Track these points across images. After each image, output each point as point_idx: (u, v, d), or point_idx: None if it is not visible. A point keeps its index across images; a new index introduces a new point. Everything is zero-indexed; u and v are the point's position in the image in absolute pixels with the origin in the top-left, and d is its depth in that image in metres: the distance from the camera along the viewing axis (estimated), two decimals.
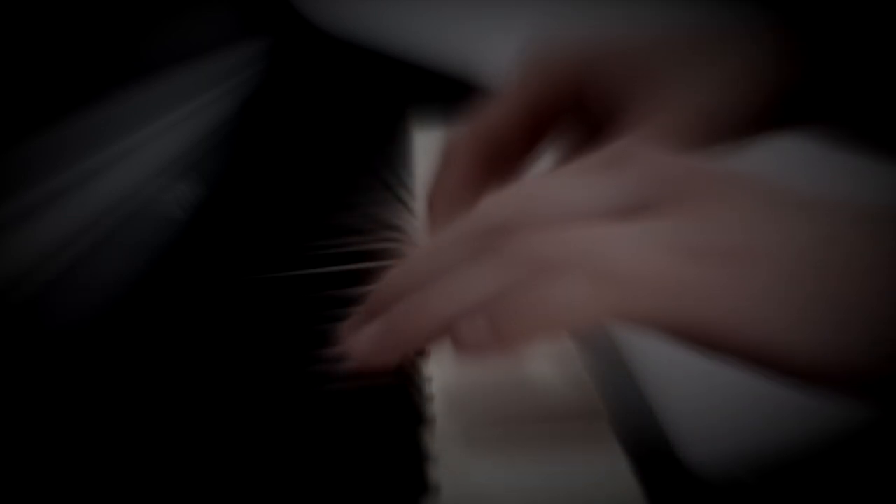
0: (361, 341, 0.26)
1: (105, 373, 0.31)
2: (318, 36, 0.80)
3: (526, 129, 0.36)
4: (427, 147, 0.66)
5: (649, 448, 0.27)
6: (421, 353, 0.28)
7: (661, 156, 0.25)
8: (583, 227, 0.24)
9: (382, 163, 0.61)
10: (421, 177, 0.55)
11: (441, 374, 0.31)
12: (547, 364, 0.31)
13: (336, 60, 0.80)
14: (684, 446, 0.28)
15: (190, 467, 0.25)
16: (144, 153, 0.43)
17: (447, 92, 0.77)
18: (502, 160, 0.36)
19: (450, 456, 0.26)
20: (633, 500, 0.23)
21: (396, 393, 0.28)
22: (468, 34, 0.84)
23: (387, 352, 0.25)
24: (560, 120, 0.36)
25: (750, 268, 0.22)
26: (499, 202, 0.26)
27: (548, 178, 0.27)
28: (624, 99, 0.34)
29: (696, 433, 0.30)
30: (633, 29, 0.36)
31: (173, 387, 0.31)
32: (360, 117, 0.78)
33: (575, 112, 0.35)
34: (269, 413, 0.28)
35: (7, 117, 0.31)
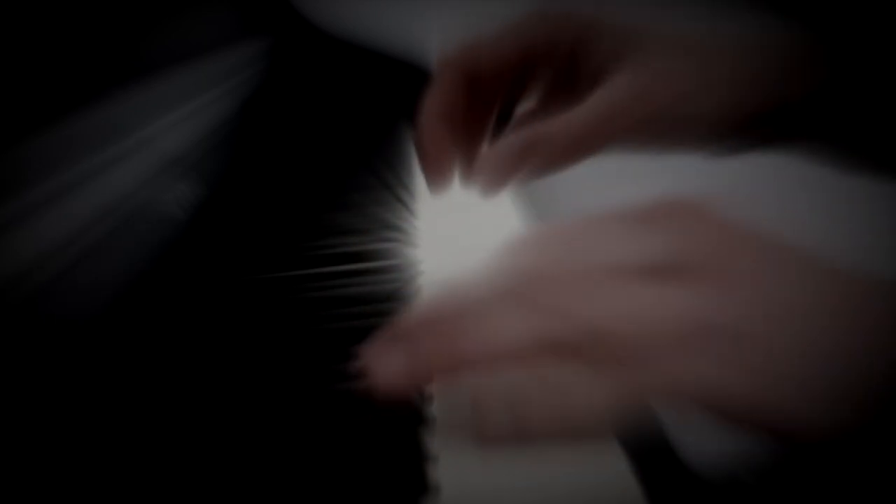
0: (384, 363, 0.25)
1: (105, 372, 0.31)
2: (318, 36, 0.80)
3: (511, 68, 0.36)
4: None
5: (649, 448, 0.27)
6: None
7: (704, 217, 0.26)
8: (617, 286, 0.24)
9: (382, 163, 0.61)
10: (421, 177, 0.55)
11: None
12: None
13: (336, 60, 0.80)
14: (684, 446, 0.28)
15: (190, 466, 0.25)
16: (144, 153, 0.43)
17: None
18: (483, 96, 0.36)
19: (450, 456, 0.26)
20: (633, 500, 0.23)
21: (396, 396, 0.28)
22: (468, 34, 0.84)
23: (406, 379, 0.25)
24: (541, 74, 0.36)
25: (760, 356, 0.23)
26: (536, 245, 0.27)
27: (587, 225, 0.27)
28: (611, 66, 0.34)
29: (695, 433, 0.30)
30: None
31: (172, 385, 0.31)
32: (360, 117, 0.78)
33: (557, 69, 0.36)
34: (268, 413, 0.28)
35: (7, 117, 0.31)
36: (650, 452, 0.27)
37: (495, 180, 0.35)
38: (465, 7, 0.91)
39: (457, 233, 0.40)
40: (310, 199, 0.55)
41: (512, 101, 0.38)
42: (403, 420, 0.27)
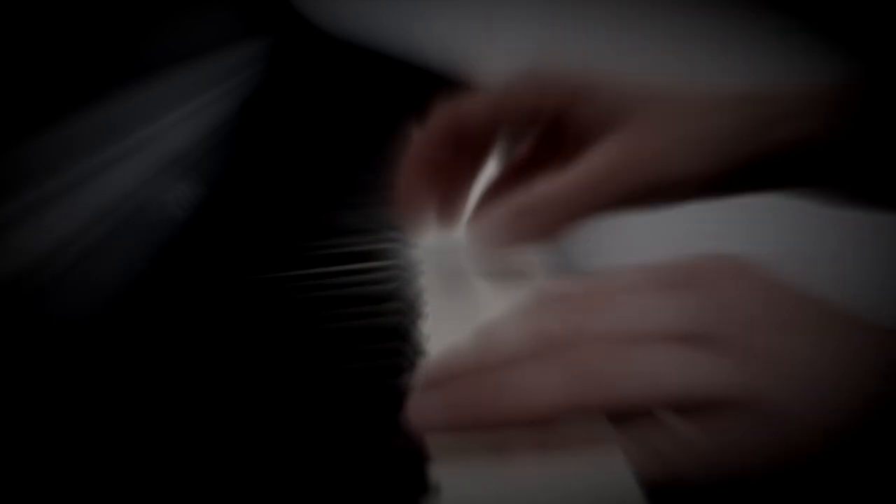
0: (424, 409, 0.26)
1: (105, 371, 0.31)
2: (318, 36, 0.80)
3: (498, 125, 0.36)
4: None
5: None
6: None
7: (730, 283, 0.26)
8: (649, 353, 0.25)
9: (382, 163, 0.61)
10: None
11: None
12: None
13: (336, 60, 0.80)
14: None
15: (190, 465, 0.25)
16: (144, 153, 0.43)
17: (447, 92, 0.77)
18: (466, 151, 0.37)
19: (450, 456, 0.26)
20: (632, 499, 0.23)
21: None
22: (468, 34, 0.84)
23: (443, 426, 0.26)
24: (530, 130, 0.37)
25: (786, 430, 0.24)
26: (566, 303, 0.27)
27: (621, 283, 0.28)
28: (597, 130, 0.34)
29: None
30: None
31: (172, 385, 0.31)
32: (360, 117, 0.78)
33: (545, 128, 0.36)
34: (267, 412, 0.28)
35: (7, 117, 0.31)
36: None
37: (492, 244, 0.35)
38: (465, 7, 0.91)
39: (457, 232, 0.40)
40: (310, 199, 0.55)
41: (494, 146, 0.38)
42: (403, 420, 0.27)
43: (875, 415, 0.23)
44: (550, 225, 0.34)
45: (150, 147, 0.44)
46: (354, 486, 0.24)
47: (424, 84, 0.78)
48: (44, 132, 0.33)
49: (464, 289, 0.37)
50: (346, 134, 0.74)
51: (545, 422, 0.25)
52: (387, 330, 0.34)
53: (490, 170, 0.39)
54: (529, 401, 0.25)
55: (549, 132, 0.37)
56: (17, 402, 0.26)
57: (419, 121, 0.38)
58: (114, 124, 0.40)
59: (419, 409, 0.25)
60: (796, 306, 0.26)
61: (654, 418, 0.24)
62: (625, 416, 0.25)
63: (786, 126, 0.32)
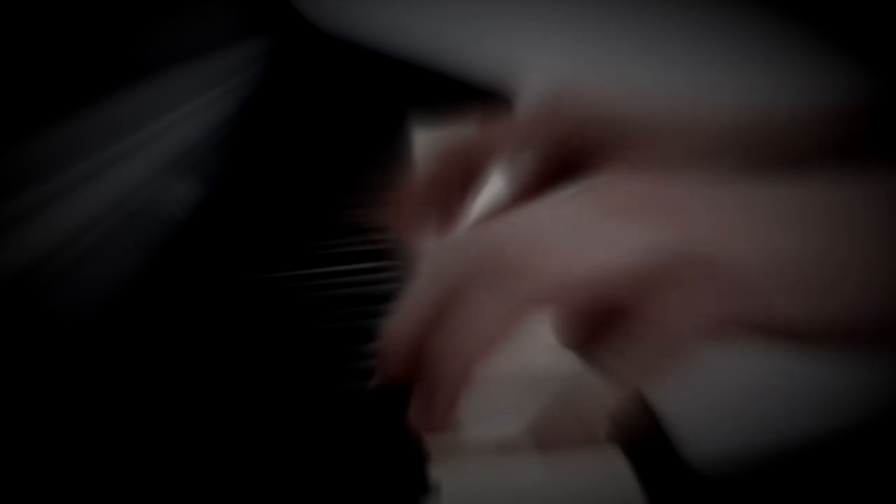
0: (419, 418, 0.26)
1: (104, 371, 0.31)
2: (318, 36, 0.80)
3: (505, 153, 0.37)
4: (427, 147, 0.66)
5: (648, 446, 0.27)
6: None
7: (626, 178, 0.26)
8: (583, 230, 0.24)
9: (382, 163, 0.61)
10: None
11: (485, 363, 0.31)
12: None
13: (336, 60, 0.80)
14: (684, 446, 0.28)
15: (190, 465, 0.25)
16: (145, 153, 0.43)
17: (447, 92, 0.77)
18: (469, 172, 0.37)
19: (450, 456, 0.26)
20: (632, 498, 0.23)
21: (396, 392, 0.28)
22: (467, 34, 0.84)
23: (442, 411, 0.25)
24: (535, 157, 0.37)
25: (744, 276, 0.23)
26: (472, 235, 0.27)
27: (522, 208, 0.27)
28: (605, 159, 0.35)
29: (695, 431, 0.30)
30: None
31: (173, 386, 0.31)
32: (360, 117, 0.78)
33: (551, 154, 0.36)
34: (267, 412, 0.28)
35: (7, 117, 0.31)
36: (650, 452, 0.27)
37: None
38: (464, 7, 0.91)
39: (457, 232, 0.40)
40: (310, 200, 0.55)
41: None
42: (403, 419, 0.27)
43: (837, 265, 0.23)
44: None
45: (150, 147, 0.44)
46: (355, 485, 0.24)
47: (424, 84, 0.78)
48: (44, 132, 0.33)
49: None
50: (347, 134, 0.74)
51: (509, 335, 0.24)
52: None
53: (492, 173, 0.39)
54: (482, 329, 0.24)
55: (556, 157, 0.37)
56: (17, 402, 0.26)
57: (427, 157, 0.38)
58: (114, 124, 0.40)
59: (420, 417, 0.26)
60: (696, 189, 0.25)
61: (612, 327, 0.24)
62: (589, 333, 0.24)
63: (793, 153, 0.33)
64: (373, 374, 0.27)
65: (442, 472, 0.25)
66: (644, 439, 0.27)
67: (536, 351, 0.30)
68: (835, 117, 0.33)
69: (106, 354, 0.32)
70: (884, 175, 0.25)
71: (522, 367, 0.30)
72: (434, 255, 0.27)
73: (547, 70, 0.81)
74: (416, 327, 0.26)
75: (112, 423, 0.28)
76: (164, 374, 0.31)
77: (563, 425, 0.25)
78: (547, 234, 0.24)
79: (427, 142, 0.68)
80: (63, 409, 0.28)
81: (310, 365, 0.32)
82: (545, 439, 0.25)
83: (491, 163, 0.36)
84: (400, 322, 0.26)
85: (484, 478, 0.25)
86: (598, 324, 0.25)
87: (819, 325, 0.23)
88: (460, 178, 0.37)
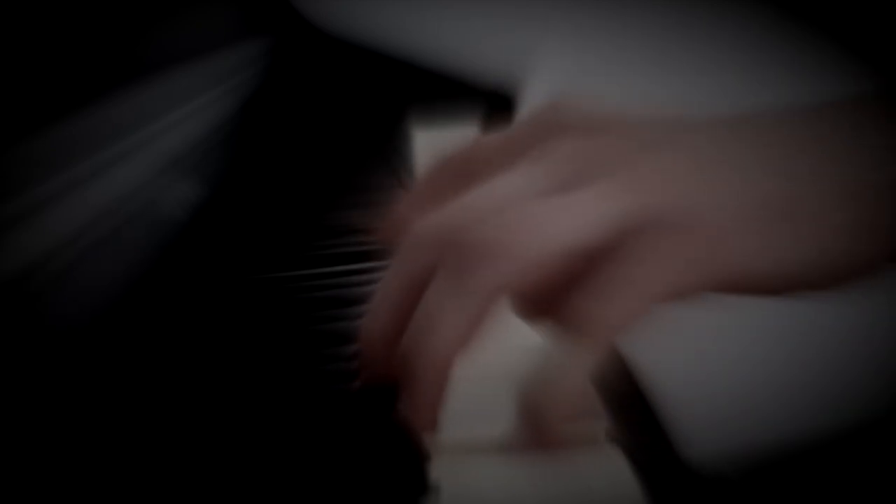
0: (406, 416, 0.25)
1: (104, 372, 0.31)
2: (318, 36, 0.80)
3: (505, 163, 0.36)
4: (427, 147, 0.66)
5: (648, 446, 0.27)
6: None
7: (576, 140, 0.25)
8: (534, 208, 0.23)
9: (382, 163, 0.61)
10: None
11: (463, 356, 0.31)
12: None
13: (336, 60, 0.80)
14: (684, 444, 0.28)
15: (190, 465, 0.25)
16: (145, 153, 0.43)
17: (447, 92, 0.77)
18: (469, 175, 0.37)
19: (450, 456, 0.26)
20: (632, 498, 0.23)
21: (394, 391, 0.28)
22: (468, 34, 0.84)
23: (426, 410, 0.25)
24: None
25: (704, 228, 0.22)
26: (433, 219, 0.26)
27: (475, 188, 0.27)
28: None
29: (695, 431, 0.30)
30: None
31: (172, 386, 0.31)
32: (360, 117, 0.78)
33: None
34: (267, 412, 0.28)
35: (8, 117, 0.31)
36: (650, 452, 0.27)
37: None
38: (463, 8, 0.91)
39: None
40: (310, 200, 0.55)
41: None
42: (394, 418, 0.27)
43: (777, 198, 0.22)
44: None
45: (150, 147, 0.44)
46: (354, 485, 0.24)
47: (424, 84, 0.78)
48: (44, 132, 0.33)
49: None
50: (347, 134, 0.74)
51: (479, 332, 0.23)
52: None
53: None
54: (448, 333, 0.23)
55: None
56: (17, 403, 0.26)
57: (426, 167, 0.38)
58: (114, 124, 0.40)
59: (412, 417, 0.25)
60: (655, 126, 0.25)
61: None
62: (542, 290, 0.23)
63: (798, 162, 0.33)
64: (356, 374, 0.27)
65: (442, 472, 0.25)
66: (644, 439, 0.27)
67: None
68: (834, 113, 0.33)
69: (106, 355, 0.32)
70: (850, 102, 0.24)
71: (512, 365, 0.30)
72: (401, 246, 0.26)
73: (547, 70, 0.81)
74: (389, 325, 0.25)
75: (112, 422, 0.28)
76: (164, 375, 0.31)
77: (539, 407, 0.23)
78: (501, 216, 0.23)
79: (427, 142, 0.68)
80: (63, 409, 0.28)
81: (310, 365, 0.32)
82: (529, 429, 0.24)
83: (493, 172, 0.36)
84: (372, 320, 0.26)
85: (484, 478, 0.25)
86: (557, 291, 0.24)
87: (790, 266, 0.22)
88: (458, 192, 0.36)
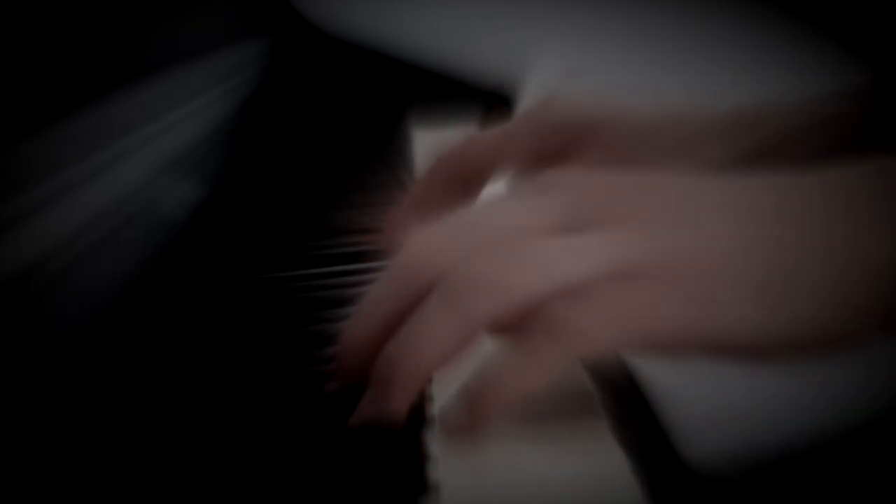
0: (366, 411, 0.26)
1: (104, 372, 0.31)
2: (318, 36, 0.80)
3: (505, 163, 0.37)
4: (427, 147, 0.66)
5: (648, 446, 0.27)
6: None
7: (585, 176, 0.26)
8: (533, 247, 0.24)
9: (382, 163, 0.61)
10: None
11: (440, 374, 0.31)
12: None
13: (336, 60, 0.81)
14: (684, 444, 0.28)
15: (189, 465, 0.25)
16: (145, 153, 0.43)
17: (447, 92, 0.78)
18: (466, 184, 0.37)
19: (450, 456, 0.26)
20: (632, 499, 0.24)
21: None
22: (467, 34, 0.84)
23: (389, 408, 0.25)
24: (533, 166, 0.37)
25: (690, 287, 0.23)
26: (435, 238, 0.26)
27: (479, 208, 0.27)
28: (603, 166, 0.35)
29: (695, 431, 0.30)
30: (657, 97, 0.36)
31: (172, 386, 0.31)
32: (360, 117, 0.78)
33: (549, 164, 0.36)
34: (267, 412, 0.28)
35: (7, 117, 0.31)
36: (650, 452, 0.27)
37: None
38: (463, 8, 0.91)
39: None
40: (310, 200, 0.55)
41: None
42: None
43: (772, 266, 0.22)
44: None
45: (150, 147, 0.44)
46: (354, 485, 0.24)
47: (424, 84, 0.78)
48: (44, 132, 0.33)
49: None
50: (347, 134, 0.74)
51: (459, 352, 0.24)
52: None
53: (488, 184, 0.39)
54: (433, 346, 0.24)
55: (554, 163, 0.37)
56: (16, 403, 0.26)
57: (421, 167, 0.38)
58: (114, 124, 0.40)
59: (366, 413, 0.25)
60: (647, 184, 0.25)
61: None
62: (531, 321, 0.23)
63: (788, 146, 0.33)
64: (330, 376, 0.27)
65: (442, 472, 0.25)
66: (644, 439, 0.27)
67: None
68: (823, 106, 0.33)
69: (105, 355, 0.32)
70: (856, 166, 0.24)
71: None
72: (398, 257, 0.26)
73: (548, 69, 0.81)
74: (374, 334, 0.25)
75: (111, 422, 0.28)
76: (164, 375, 0.32)
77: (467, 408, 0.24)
78: (499, 254, 0.24)
79: (427, 142, 0.68)
80: (62, 409, 0.28)
81: (310, 365, 0.32)
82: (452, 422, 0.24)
83: (486, 175, 0.36)
84: (357, 326, 0.26)
85: (484, 477, 0.25)
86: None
87: (778, 335, 0.22)
88: (455, 190, 0.37)
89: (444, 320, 0.24)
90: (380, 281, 0.26)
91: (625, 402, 0.29)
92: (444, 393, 0.30)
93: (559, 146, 0.35)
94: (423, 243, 0.26)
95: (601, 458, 0.25)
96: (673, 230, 0.24)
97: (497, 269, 0.24)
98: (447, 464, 0.25)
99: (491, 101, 0.76)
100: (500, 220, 0.25)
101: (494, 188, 0.39)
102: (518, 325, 0.23)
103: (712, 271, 0.23)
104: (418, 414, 0.27)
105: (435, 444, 0.26)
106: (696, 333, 0.22)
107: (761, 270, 0.22)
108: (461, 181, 0.36)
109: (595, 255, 0.23)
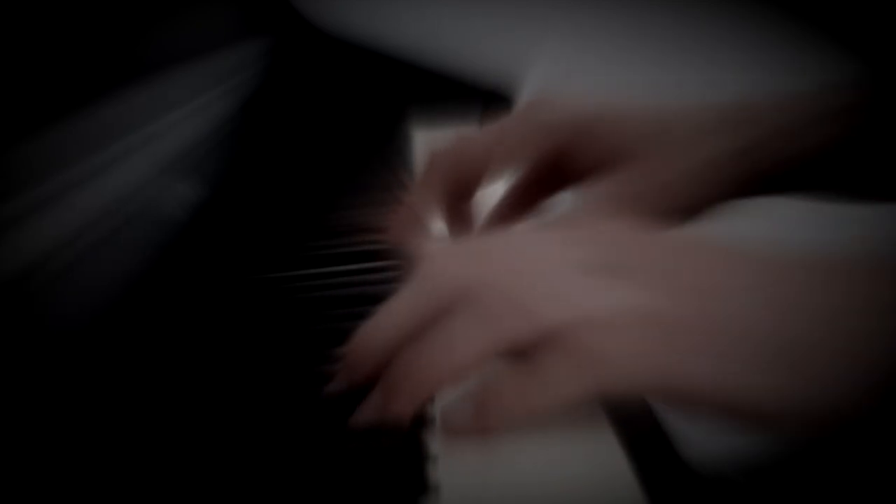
0: (371, 411, 0.26)
1: (105, 372, 0.31)
2: (318, 36, 0.80)
3: (500, 165, 0.37)
4: (427, 147, 0.66)
5: (648, 446, 0.27)
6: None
7: (627, 230, 0.27)
8: (566, 280, 0.25)
9: (382, 163, 0.61)
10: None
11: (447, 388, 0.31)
12: None
13: (336, 60, 0.81)
14: (684, 445, 0.28)
15: (189, 465, 0.25)
16: (145, 153, 0.43)
17: (447, 92, 0.78)
18: (463, 184, 0.37)
19: (450, 456, 0.26)
20: (632, 499, 0.24)
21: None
22: (467, 34, 0.84)
23: (392, 416, 0.26)
24: (531, 166, 0.37)
25: (713, 342, 0.23)
26: (470, 257, 0.27)
27: (517, 234, 0.28)
28: (600, 167, 0.35)
29: (695, 431, 0.30)
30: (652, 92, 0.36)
31: (172, 386, 0.31)
32: (360, 117, 0.78)
33: (545, 161, 0.36)
34: (268, 413, 0.29)
35: (8, 117, 0.31)
36: (650, 452, 0.27)
37: None
38: (463, 8, 0.91)
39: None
40: (310, 200, 0.55)
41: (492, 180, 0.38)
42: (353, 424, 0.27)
43: (796, 338, 0.23)
44: None
45: (150, 147, 0.44)
46: (355, 485, 0.24)
47: (424, 84, 0.78)
48: (44, 132, 0.33)
49: None
50: (347, 134, 0.74)
51: (475, 368, 0.24)
52: None
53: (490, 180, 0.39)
54: (453, 359, 0.24)
55: (551, 163, 0.37)
56: (16, 403, 0.26)
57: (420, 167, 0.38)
58: (114, 124, 0.40)
59: (370, 414, 0.26)
60: (672, 245, 0.26)
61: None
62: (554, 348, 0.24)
63: (785, 142, 0.33)
64: (330, 377, 0.28)
65: (442, 472, 0.25)
66: (644, 439, 0.27)
67: None
68: (824, 97, 0.33)
69: (105, 355, 0.32)
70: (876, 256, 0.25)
71: None
72: (426, 269, 0.27)
73: (548, 69, 0.81)
74: (390, 342, 0.26)
75: (111, 422, 0.28)
76: (164, 375, 0.32)
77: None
78: (535, 281, 0.25)
79: (427, 142, 0.68)
80: (62, 409, 0.28)
81: (310, 365, 0.32)
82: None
83: (480, 175, 0.37)
84: (374, 332, 0.27)
85: (484, 477, 0.25)
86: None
87: (791, 403, 0.23)
88: (456, 186, 0.37)
89: (471, 336, 0.24)
90: (406, 290, 0.27)
91: (625, 403, 0.29)
92: (444, 394, 0.30)
93: (554, 147, 0.36)
94: (456, 259, 0.27)
95: (601, 458, 0.25)
96: (702, 293, 0.24)
97: (533, 296, 0.25)
98: (447, 464, 0.25)
99: (490, 100, 0.76)
100: (539, 249, 0.27)
101: (494, 189, 0.39)
102: (530, 350, 0.24)
103: (734, 334, 0.23)
104: (419, 414, 0.28)
105: (435, 444, 0.27)
106: (711, 388, 0.23)
107: (782, 339, 0.23)
108: (457, 181, 0.37)
109: (627, 298, 0.24)
